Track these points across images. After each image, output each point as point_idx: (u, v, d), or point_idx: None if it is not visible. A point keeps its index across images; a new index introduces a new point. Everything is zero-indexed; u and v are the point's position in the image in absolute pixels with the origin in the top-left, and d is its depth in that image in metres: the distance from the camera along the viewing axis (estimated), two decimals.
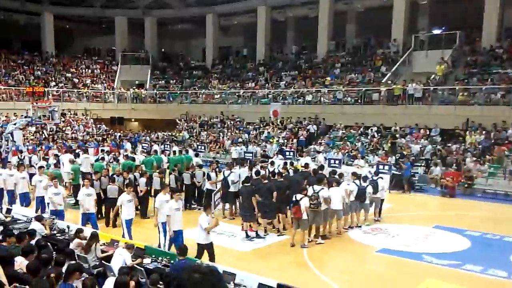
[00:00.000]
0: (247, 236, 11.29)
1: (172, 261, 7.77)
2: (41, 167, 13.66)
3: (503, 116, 20.03)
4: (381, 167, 17.46)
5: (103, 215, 12.67)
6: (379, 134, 22.56)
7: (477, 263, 9.49)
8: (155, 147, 22.08)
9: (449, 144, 20.08)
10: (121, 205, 10.60)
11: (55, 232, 9.54)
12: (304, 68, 30.99)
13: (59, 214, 10.95)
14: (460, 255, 10.15)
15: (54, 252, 7.15)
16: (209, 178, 13.85)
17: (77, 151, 19.34)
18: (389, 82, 24.66)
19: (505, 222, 13.06)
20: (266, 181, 11.70)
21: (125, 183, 12.00)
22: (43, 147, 21.68)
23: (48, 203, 11.65)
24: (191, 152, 19.06)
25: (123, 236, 10.07)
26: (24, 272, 5.80)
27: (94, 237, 8.15)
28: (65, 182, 15.76)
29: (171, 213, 9.34)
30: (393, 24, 27.74)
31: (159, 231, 9.97)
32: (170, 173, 14.52)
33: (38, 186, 12.42)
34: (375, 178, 13.23)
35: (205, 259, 8.51)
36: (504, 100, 20.76)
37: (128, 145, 22.81)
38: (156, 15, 38.13)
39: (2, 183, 13.47)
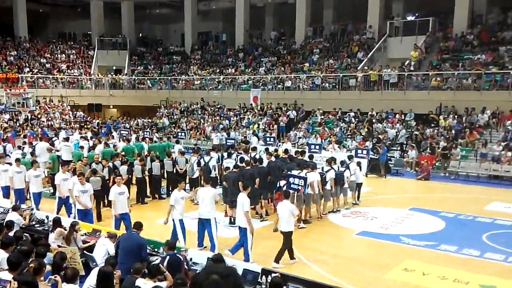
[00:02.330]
0: (231, 222, 11.48)
1: (155, 249, 7.88)
2: (17, 159, 12.71)
3: (474, 100, 20.69)
4: (359, 151, 17.86)
5: None
6: (356, 120, 22.96)
7: (452, 243, 9.93)
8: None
9: (424, 128, 20.60)
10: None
11: (33, 223, 9.44)
12: (283, 54, 31.09)
13: (87, 214, 10.07)
14: (435, 236, 10.58)
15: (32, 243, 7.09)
16: (199, 165, 13.62)
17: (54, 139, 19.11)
18: (366, 68, 25.03)
19: (477, 203, 13.61)
20: (249, 167, 11.87)
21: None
22: (28, 133, 21.16)
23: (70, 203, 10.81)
24: (172, 139, 19.08)
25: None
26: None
27: (72, 227, 8.08)
28: (44, 171, 15.62)
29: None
30: (369, 10, 28.02)
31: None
32: (152, 160, 14.51)
33: (34, 181, 11.63)
34: (348, 162, 13.48)
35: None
36: (474, 85, 21.40)
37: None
38: None
39: None
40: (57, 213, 10.66)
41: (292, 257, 8.83)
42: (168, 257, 6.76)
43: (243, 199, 8.85)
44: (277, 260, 8.62)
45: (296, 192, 10.89)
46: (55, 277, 5.61)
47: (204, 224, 9.34)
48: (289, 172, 11.35)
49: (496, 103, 20.14)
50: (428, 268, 8.56)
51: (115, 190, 9.75)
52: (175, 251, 6.98)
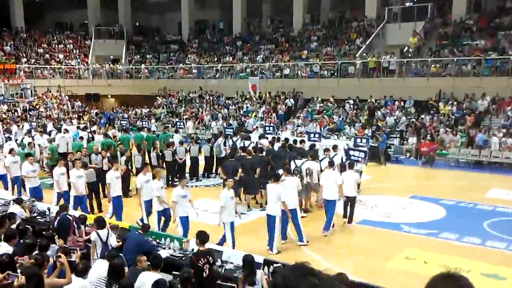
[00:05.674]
0: None
1: (157, 240, 7.90)
2: (11, 149, 12.73)
3: (474, 86, 20.59)
4: (358, 140, 17.76)
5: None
6: (355, 107, 22.87)
7: (452, 231, 9.93)
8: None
9: (423, 116, 20.54)
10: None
11: (35, 214, 9.43)
12: (281, 41, 30.87)
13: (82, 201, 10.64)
14: (436, 224, 10.59)
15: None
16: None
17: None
18: (364, 54, 24.87)
19: (478, 190, 13.61)
20: (250, 156, 11.84)
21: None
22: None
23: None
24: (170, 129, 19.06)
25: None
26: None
27: (81, 220, 8.13)
28: (43, 162, 15.62)
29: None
30: None
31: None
32: (150, 151, 14.53)
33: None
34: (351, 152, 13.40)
35: None
36: (474, 71, 21.29)
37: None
38: None
39: None
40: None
41: (351, 221, 10.41)
42: (58, 218, 7.84)
43: (277, 189, 8.77)
44: (350, 221, 10.42)
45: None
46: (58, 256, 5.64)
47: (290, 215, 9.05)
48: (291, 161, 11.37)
49: (496, 89, 20.04)
50: (430, 256, 8.57)
51: (226, 194, 8.59)
52: (66, 213, 8.01)
